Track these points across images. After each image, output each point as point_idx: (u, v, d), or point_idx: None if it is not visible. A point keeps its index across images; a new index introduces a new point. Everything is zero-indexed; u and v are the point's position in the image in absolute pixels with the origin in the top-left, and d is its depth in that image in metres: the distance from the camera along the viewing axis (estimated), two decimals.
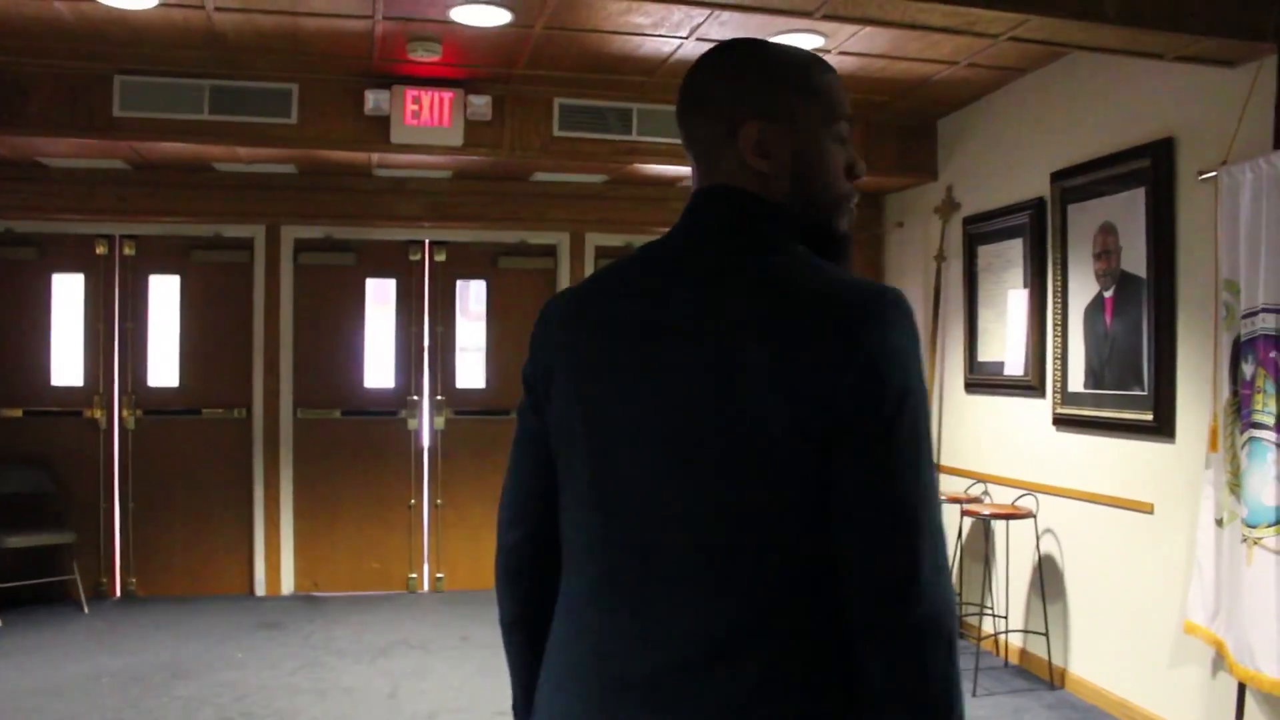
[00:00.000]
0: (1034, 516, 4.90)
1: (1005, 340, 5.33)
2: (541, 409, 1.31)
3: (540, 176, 6.30)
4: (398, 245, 6.63)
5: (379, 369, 6.72)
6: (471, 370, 6.82)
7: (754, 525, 1.14)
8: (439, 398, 6.65)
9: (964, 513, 5.19)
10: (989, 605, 5.38)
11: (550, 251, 6.81)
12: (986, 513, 4.92)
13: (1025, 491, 5.07)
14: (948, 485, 5.87)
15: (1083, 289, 4.73)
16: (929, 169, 6.05)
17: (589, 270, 6.71)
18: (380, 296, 6.70)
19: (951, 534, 5.54)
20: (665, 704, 1.15)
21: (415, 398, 6.62)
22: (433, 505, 6.64)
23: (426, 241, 6.66)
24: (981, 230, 5.57)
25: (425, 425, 6.65)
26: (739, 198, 1.25)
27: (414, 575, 6.61)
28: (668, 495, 1.17)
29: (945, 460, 5.92)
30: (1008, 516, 4.89)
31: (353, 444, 6.55)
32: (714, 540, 1.15)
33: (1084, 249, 4.71)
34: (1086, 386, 4.70)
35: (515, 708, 1.46)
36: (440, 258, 6.66)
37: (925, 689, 1.10)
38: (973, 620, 5.51)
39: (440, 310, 6.67)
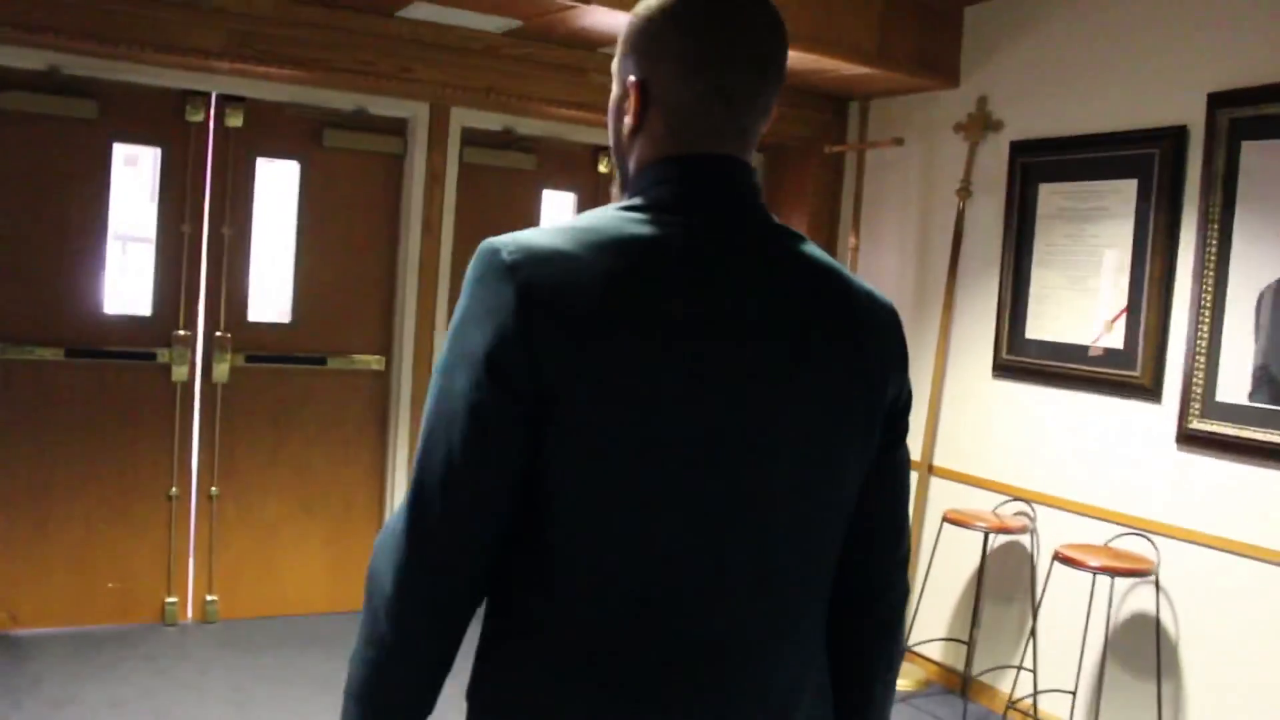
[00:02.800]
0: (1153, 574, 3.56)
1: (1090, 317, 3.94)
2: (546, 412, 1.01)
3: (413, 11, 4.13)
4: (169, 96, 4.24)
5: (128, 288, 4.37)
6: (272, 296, 4.60)
7: (835, 537, 1.16)
8: (221, 334, 4.41)
9: (998, 529, 3.80)
10: (1023, 663, 4.06)
11: (399, 128, 4.67)
12: (1090, 563, 3.52)
13: (1126, 529, 3.74)
14: (938, 493, 4.48)
15: (1257, 264, 3.38)
16: (947, 69, 4.51)
17: (450, 162, 4.66)
18: (134, 174, 4.31)
19: (939, 553, 4.17)
20: None
21: (185, 333, 4.34)
22: (204, 495, 4.45)
23: (214, 95, 4.32)
24: (1047, 161, 4.11)
25: (199, 375, 4.41)
26: (752, 175, 1.17)
27: (173, 600, 4.40)
28: (781, 510, 1.10)
29: (941, 460, 4.51)
30: (1117, 571, 3.50)
31: (82, 402, 4.19)
32: (815, 554, 1.15)
33: (1263, 208, 3.36)
34: (1254, 399, 3.38)
35: None
36: (235, 122, 4.34)
37: (899, 652, 1.28)
38: (988, 680, 4.19)
39: (230, 202, 4.38)
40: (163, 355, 4.31)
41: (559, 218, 5.06)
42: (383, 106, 4.55)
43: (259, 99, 4.36)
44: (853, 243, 4.80)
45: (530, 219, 5.00)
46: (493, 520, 1.05)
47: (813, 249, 1.17)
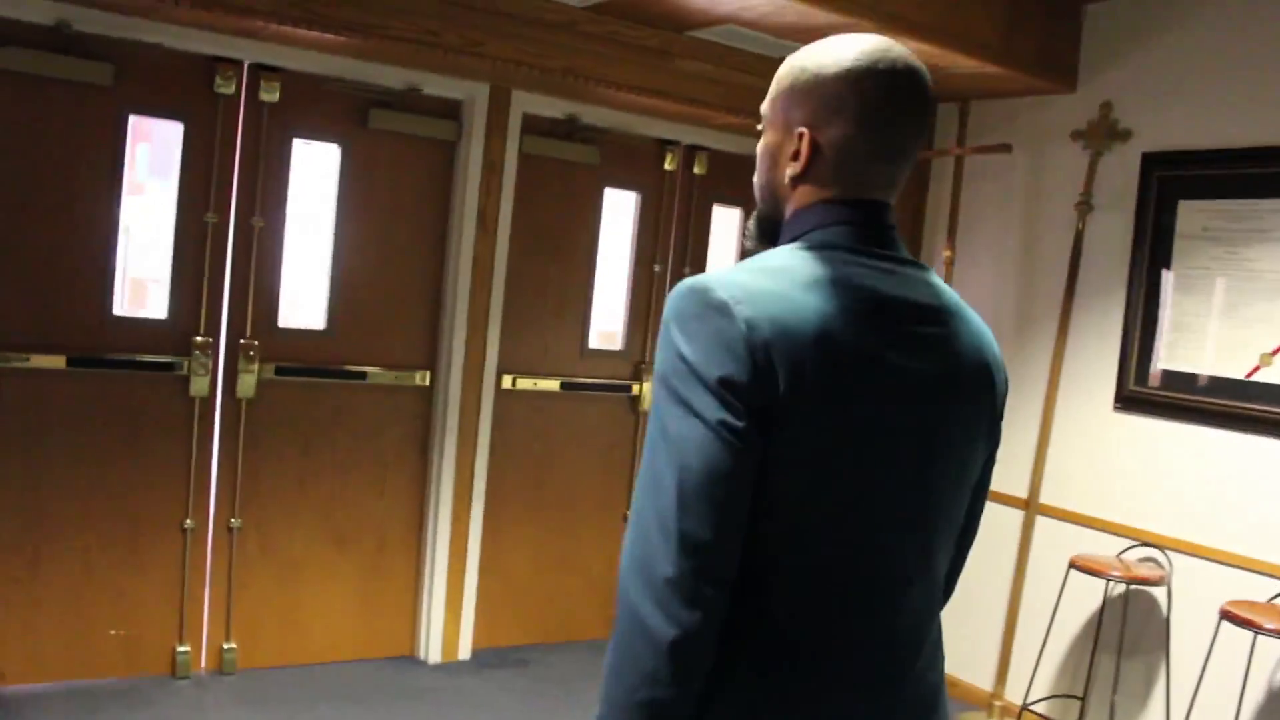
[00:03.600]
0: None
1: (1245, 348, 3.57)
2: (770, 432, 1.13)
3: None
4: (196, 63, 3.63)
5: (142, 286, 3.75)
6: (305, 299, 4.01)
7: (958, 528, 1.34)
8: (247, 342, 3.81)
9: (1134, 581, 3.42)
10: None
11: (453, 111, 4.10)
12: (1266, 625, 3.15)
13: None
14: (1047, 533, 4.11)
15: None
16: (1065, 71, 4.12)
17: (509, 151, 4.11)
18: (155, 152, 3.69)
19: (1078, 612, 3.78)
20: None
21: (205, 340, 3.73)
22: (222, 528, 3.84)
23: (247, 64, 3.72)
24: (1190, 176, 3.74)
25: (220, 388, 3.80)
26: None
27: (185, 649, 3.79)
28: (939, 517, 1.27)
29: (1050, 499, 4.13)
30: None
31: (84, 419, 3.56)
32: (949, 544, 1.32)
33: None
34: None
35: None
36: (270, 96, 3.74)
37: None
38: None
39: (261, 189, 3.78)
40: (180, 366, 3.70)
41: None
42: (437, 86, 3.99)
43: (298, 70, 3.77)
44: (947, 255, 4.39)
45: (593, 219, 4.48)
46: (741, 529, 1.13)
47: (939, 282, 1.32)
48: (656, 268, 4.61)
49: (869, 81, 1.23)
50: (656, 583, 1.10)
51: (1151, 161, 3.85)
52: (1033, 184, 4.29)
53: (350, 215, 3.97)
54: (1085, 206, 4.03)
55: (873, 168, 1.26)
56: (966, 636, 4.42)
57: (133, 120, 3.57)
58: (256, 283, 3.80)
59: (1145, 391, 3.84)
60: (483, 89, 4.03)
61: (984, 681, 4.34)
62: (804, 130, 1.25)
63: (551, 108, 4.22)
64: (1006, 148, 4.22)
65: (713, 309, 1.14)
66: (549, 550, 4.49)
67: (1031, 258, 4.28)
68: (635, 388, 4.61)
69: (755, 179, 1.35)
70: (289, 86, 3.76)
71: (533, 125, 4.21)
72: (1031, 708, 3.93)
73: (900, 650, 1.25)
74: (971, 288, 4.44)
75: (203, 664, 3.86)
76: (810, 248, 1.24)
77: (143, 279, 3.88)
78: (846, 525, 1.19)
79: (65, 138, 3.45)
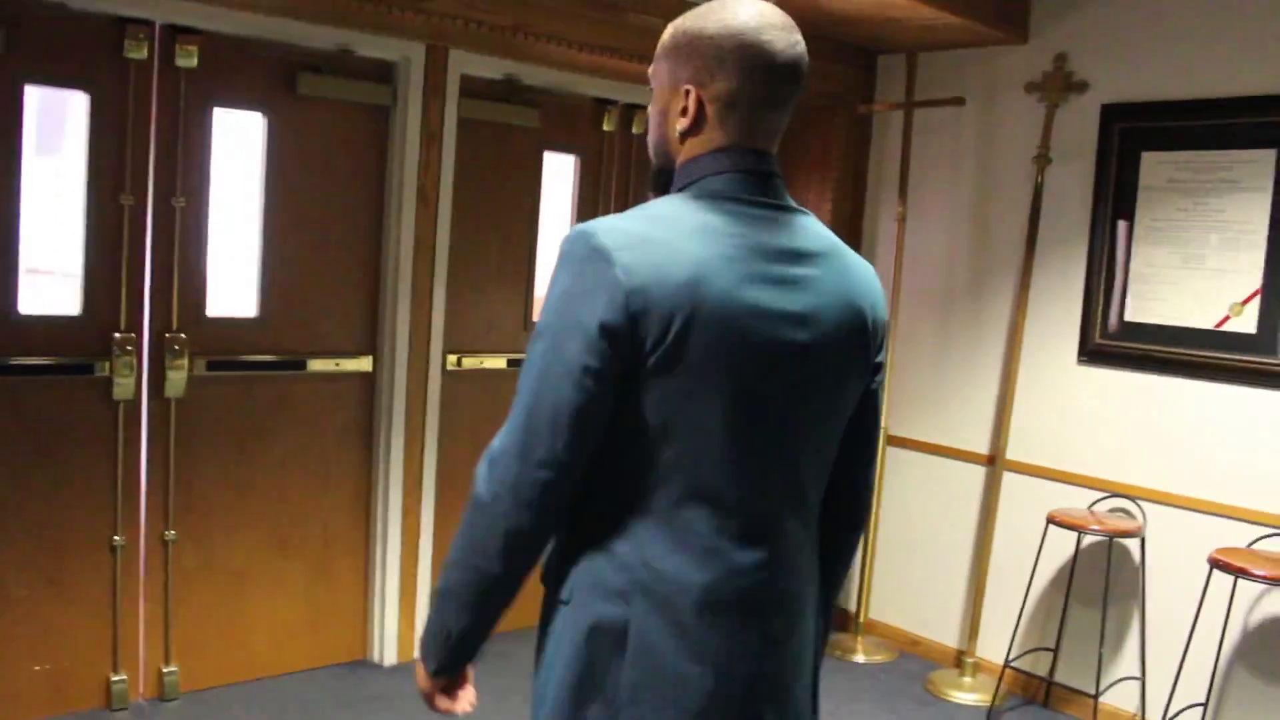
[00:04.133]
0: None
1: (1213, 299, 3.59)
2: (642, 367, 1.29)
3: None
4: (102, 25, 3.19)
5: (51, 278, 3.31)
6: (236, 284, 3.63)
7: (834, 452, 1.48)
8: (173, 335, 3.42)
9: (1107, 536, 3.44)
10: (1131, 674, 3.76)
11: (387, 74, 3.76)
12: (1256, 572, 3.19)
13: (1272, 529, 3.45)
14: (1014, 488, 4.11)
15: None
16: (1017, 22, 4.05)
17: (448, 116, 3.79)
18: (54, 125, 3.23)
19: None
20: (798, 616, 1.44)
21: (126, 335, 3.33)
22: (156, 541, 3.47)
23: (159, 26, 3.29)
24: (1153, 128, 3.72)
25: (145, 389, 3.41)
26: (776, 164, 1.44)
27: (120, 678, 3.41)
28: (807, 446, 1.41)
29: (1016, 454, 4.12)
30: None
31: None
32: (824, 467, 1.47)
33: None
34: None
35: (460, 644, 1.45)
36: (185, 61, 3.33)
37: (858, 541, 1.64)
38: (1079, 687, 3.86)
39: (180, 165, 3.37)
40: (99, 367, 3.30)
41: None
42: (370, 46, 3.63)
43: (218, 31, 3.37)
44: (899, 212, 4.30)
45: (534, 185, 4.21)
46: (584, 455, 1.31)
47: (818, 226, 1.44)
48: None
49: (746, 38, 1.35)
50: (506, 479, 1.31)
51: (1112, 113, 3.82)
52: (986, 137, 4.23)
53: (279, 190, 3.60)
54: (1044, 159, 3.98)
55: (753, 118, 1.37)
56: (929, 595, 4.41)
57: (29, 91, 3.12)
58: (181, 269, 3.41)
59: (1110, 344, 3.84)
60: (418, 49, 3.69)
61: (950, 639, 4.34)
62: (690, 88, 1.38)
63: (490, 68, 3.92)
64: (959, 100, 4.14)
65: (596, 254, 1.28)
66: None
67: (987, 212, 4.23)
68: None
69: (649, 138, 1.48)
70: (208, 50, 3.35)
71: (470, 88, 3.90)
72: (1013, 664, 3.94)
73: (776, 577, 1.38)
74: (924, 244, 4.37)
75: (141, 691, 3.49)
76: (695, 196, 1.37)
77: (49, 270, 3.43)
78: (709, 459, 1.32)
79: None
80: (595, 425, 1.29)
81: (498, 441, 1.33)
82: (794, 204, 1.42)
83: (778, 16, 1.38)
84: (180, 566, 3.52)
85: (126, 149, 3.26)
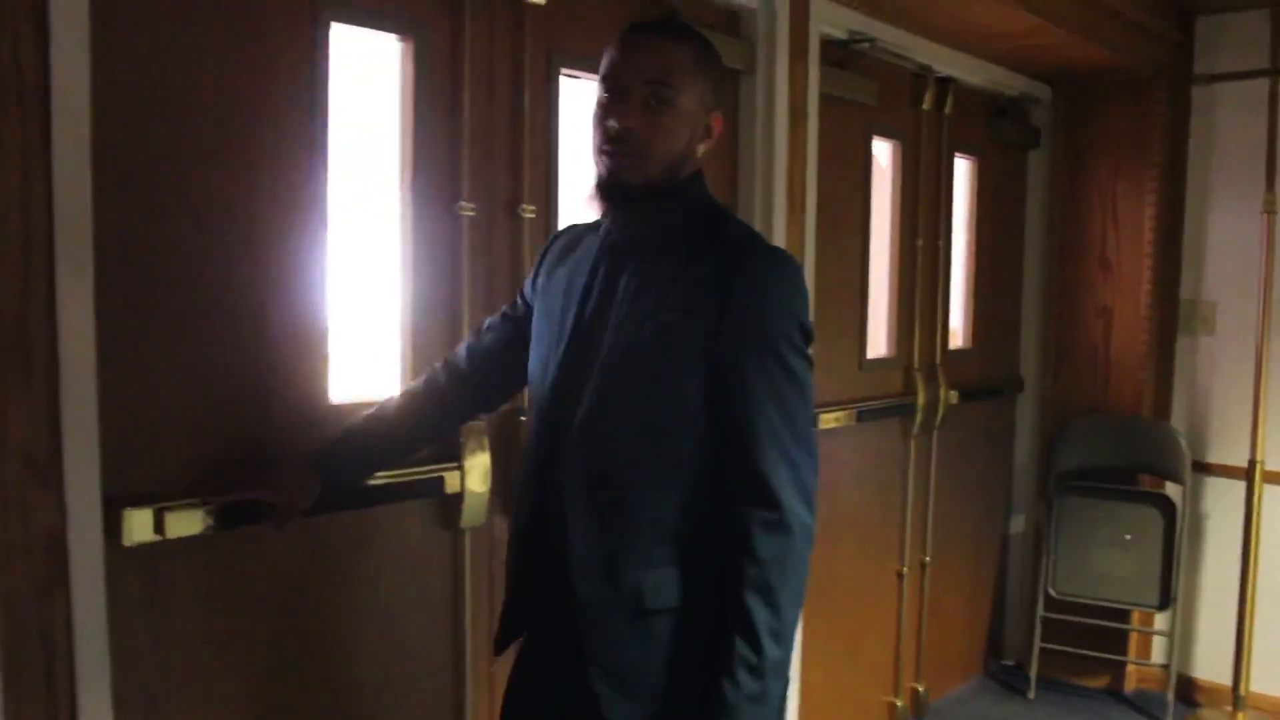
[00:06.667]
0: None
1: None
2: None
3: None
4: None
5: None
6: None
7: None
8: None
9: None
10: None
11: (733, 26, 2.71)
12: None
13: None
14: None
15: None
16: None
17: (811, 91, 2.73)
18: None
19: None
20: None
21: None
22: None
23: None
24: None
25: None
26: None
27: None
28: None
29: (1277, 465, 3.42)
30: None
31: None
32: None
33: None
34: None
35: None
36: None
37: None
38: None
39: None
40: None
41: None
42: None
43: None
44: (1268, 200, 3.57)
45: (862, 181, 3.24)
46: None
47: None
48: (919, 242, 3.43)
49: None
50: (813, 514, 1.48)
51: None
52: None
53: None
54: None
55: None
56: (1192, 631, 3.88)
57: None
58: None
59: None
60: None
61: (1221, 676, 3.78)
62: (718, 113, 1.50)
63: (841, 21, 2.95)
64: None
65: (804, 285, 1.53)
66: None
67: None
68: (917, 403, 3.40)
69: (659, 148, 1.43)
70: None
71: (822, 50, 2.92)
72: None
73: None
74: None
75: None
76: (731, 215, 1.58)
77: None
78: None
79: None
80: None
81: (800, 475, 1.41)
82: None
83: None
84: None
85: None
